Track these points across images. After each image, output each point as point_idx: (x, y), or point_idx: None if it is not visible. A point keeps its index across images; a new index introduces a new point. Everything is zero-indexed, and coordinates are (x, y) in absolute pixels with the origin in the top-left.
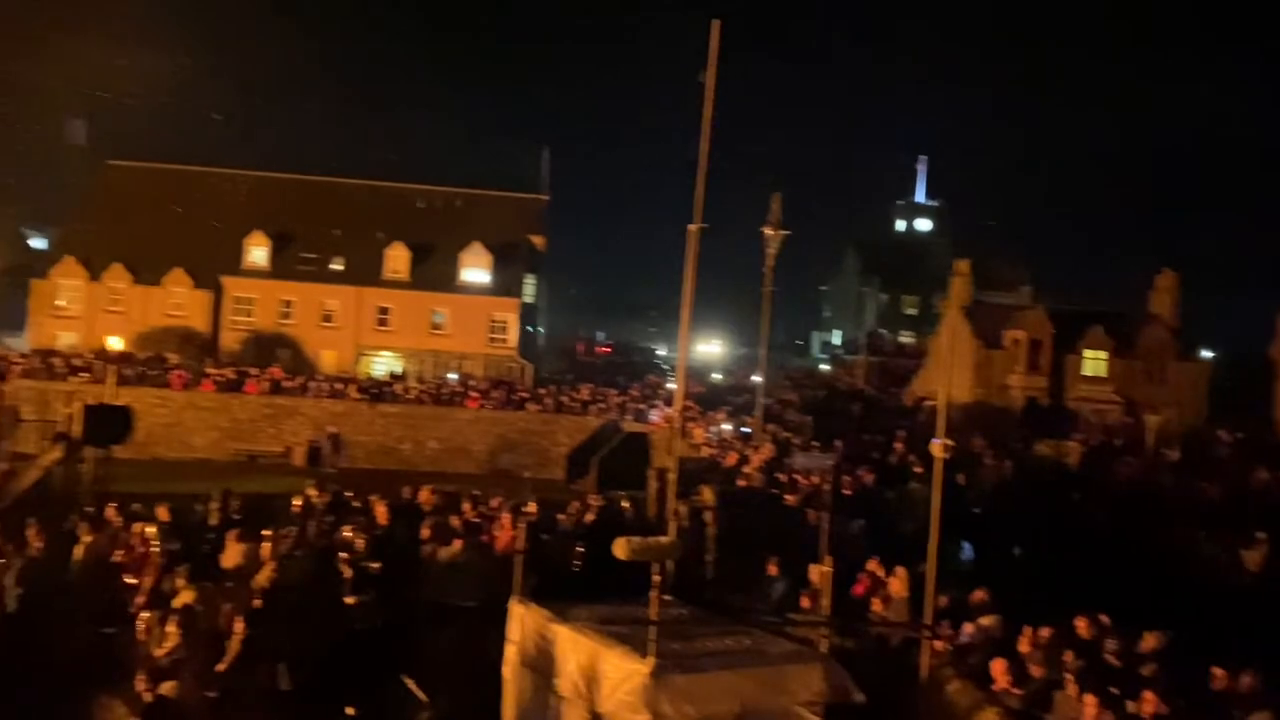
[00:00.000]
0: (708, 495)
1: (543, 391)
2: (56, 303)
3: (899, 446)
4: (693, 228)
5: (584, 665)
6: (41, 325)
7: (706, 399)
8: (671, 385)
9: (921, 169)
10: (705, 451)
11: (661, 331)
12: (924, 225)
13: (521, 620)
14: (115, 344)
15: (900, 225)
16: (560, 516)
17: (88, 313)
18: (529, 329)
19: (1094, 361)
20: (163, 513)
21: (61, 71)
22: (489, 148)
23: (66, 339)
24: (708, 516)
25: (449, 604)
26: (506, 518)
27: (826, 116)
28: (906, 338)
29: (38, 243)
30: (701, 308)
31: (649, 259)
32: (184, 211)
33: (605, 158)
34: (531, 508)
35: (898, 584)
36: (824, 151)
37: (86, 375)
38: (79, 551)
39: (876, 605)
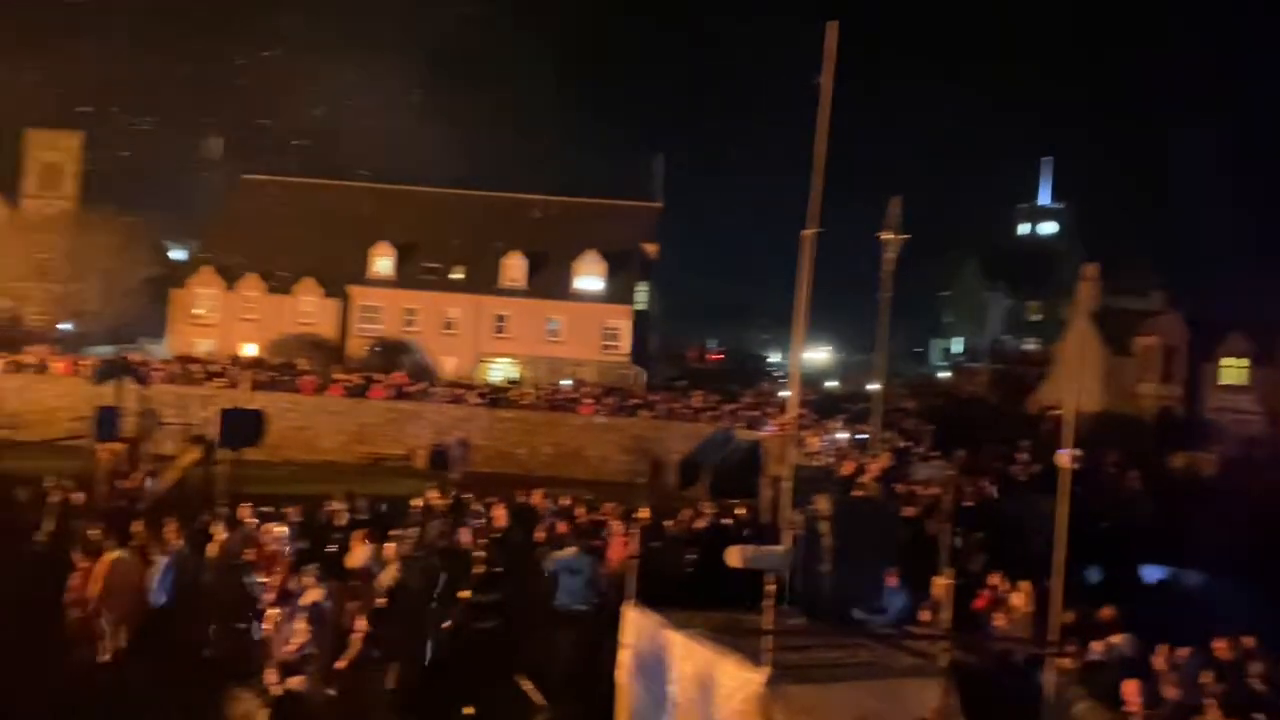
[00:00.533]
0: (823, 505)
1: (655, 398)
2: (194, 311)
3: (1023, 457)
4: (808, 233)
5: (698, 673)
6: (180, 333)
7: (821, 406)
8: (785, 392)
9: (1046, 170)
10: (820, 460)
11: (774, 338)
12: (1048, 229)
13: (636, 625)
14: (249, 350)
15: (1023, 229)
16: (672, 523)
17: (223, 320)
18: (642, 336)
19: (1233, 370)
20: (293, 513)
21: (199, 91)
22: (604, 157)
23: (204, 346)
24: (823, 526)
25: (563, 608)
26: (619, 523)
27: (946, 118)
28: (1031, 344)
29: (177, 254)
30: (816, 314)
31: (763, 265)
32: (313, 223)
33: (719, 163)
34: (644, 514)
35: (1021, 598)
36: (943, 154)
37: (222, 380)
38: (213, 549)
39: (999, 620)
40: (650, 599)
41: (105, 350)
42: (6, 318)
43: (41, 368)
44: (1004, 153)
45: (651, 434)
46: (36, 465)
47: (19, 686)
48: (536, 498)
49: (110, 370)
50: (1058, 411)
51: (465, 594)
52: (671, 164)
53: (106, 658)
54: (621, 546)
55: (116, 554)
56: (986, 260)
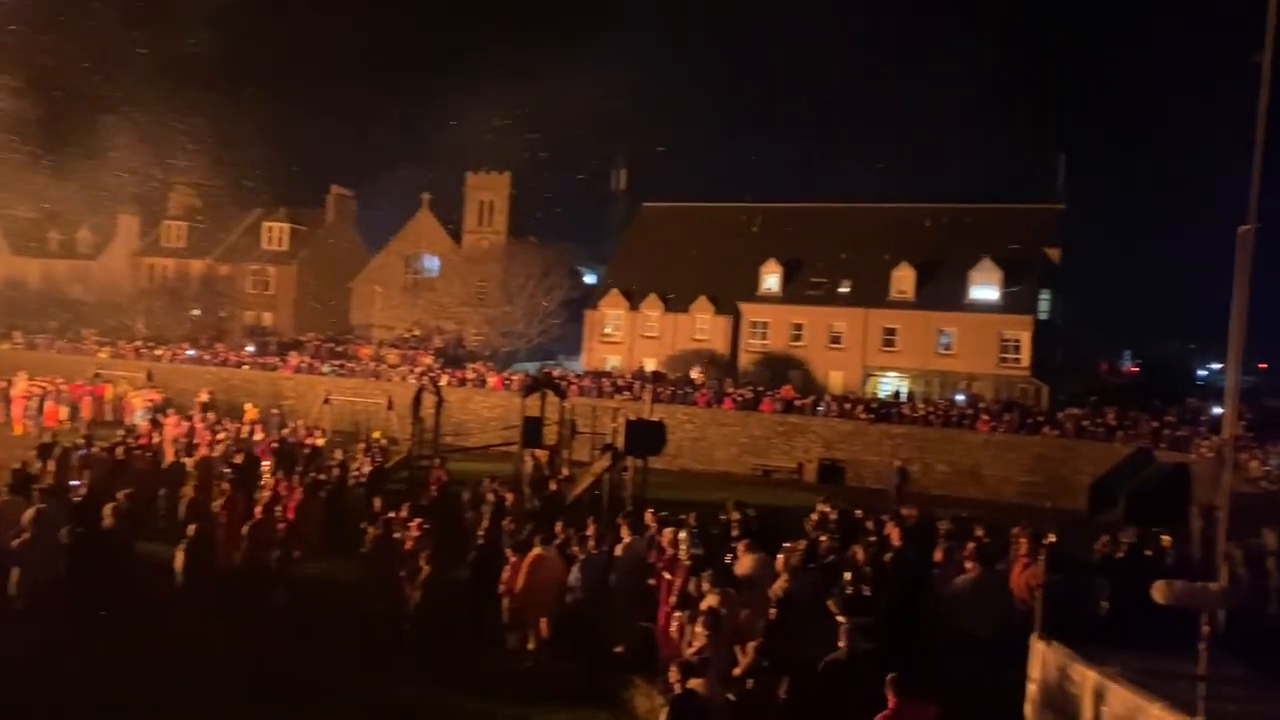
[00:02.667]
0: (1270, 539)
1: (1061, 415)
2: (604, 330)
3: None
4: (1245, 229)
5: (1118, 716)
6: (593, 350)
7: (1261, 425)
8: (1217, 409)
9: None
10: (1262, 486)
11: (1200, 349)
12: None
13: (1043, 658)
14: (650, 366)
15: None
16: (1084, 551)
17: (628, 338)
18: (1044, 348)
19: None
20: (692, 519)
21: (608, 126)
22: (998, 158)
23: (612, 361)
24: (1270, 563)
25: (960, 633)
26: (1025, 548)
27: None
28: None
29: (589, 278)
30: (1256, 321)
31: (1184, 268)
32: (706, 244)
33: (1129, 158)
34: (1051, 538)
35: None
36: None
37: (627, 394)
38: (619, 550)
39: None
40: (1060, 631)
41: (530, 366)
42: (452, 339)
43: (480, 382)
44: None
45: (1057, 454)
46: (475, 468)
47: (455, 668)
48: (938, 519)
49: (534, 384)
50: None
51: (849, 613)
52: (1074, 161)
53: (531, 645)
54: (1026, 573)
55: (540, 551)
56: None
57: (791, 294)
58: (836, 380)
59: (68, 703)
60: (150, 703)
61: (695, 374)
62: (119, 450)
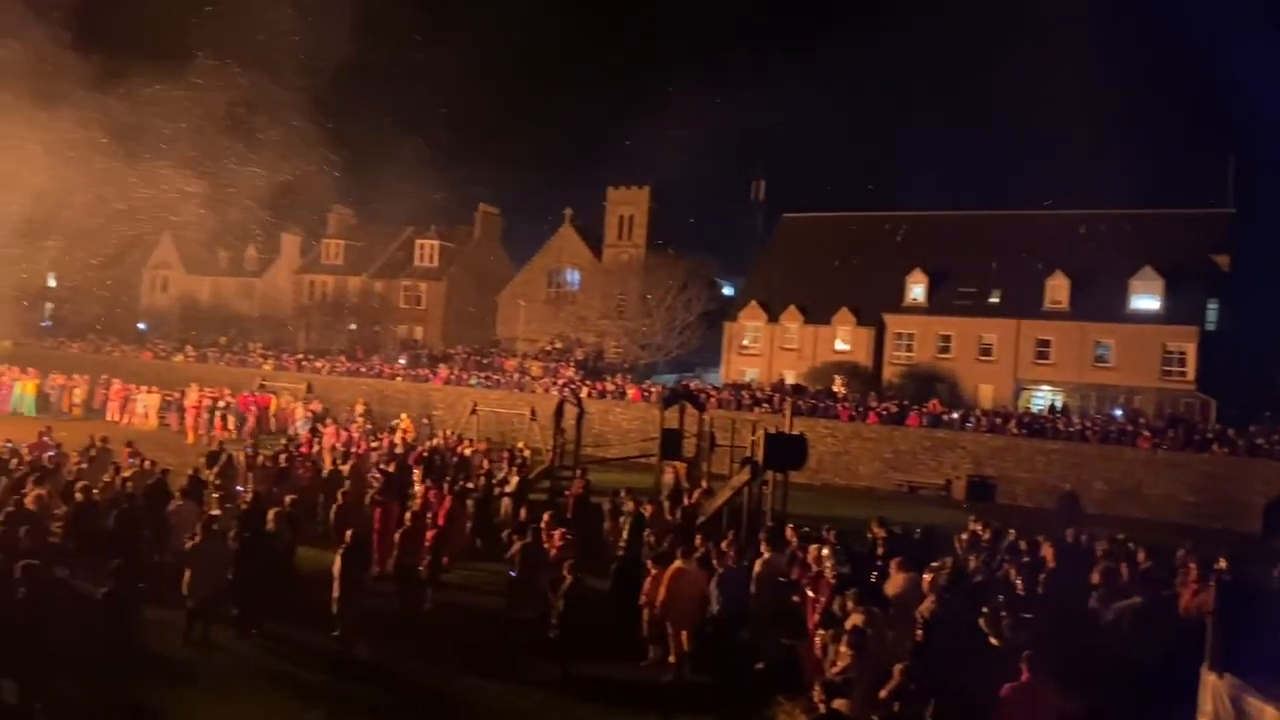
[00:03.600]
0: None
1: (1231, 431)
2: (743, 342)
3: None
4: None
5: None
6: (731, 362)
7: None
8: None
9: None
10: None
11: None
12: None
13: (1214, 691)
14: (789, 378)
15: None
16: (1259, 577)
17: (767, 350)
18: (1212, 360)
19: None
20: (833, 536)
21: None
22: (1160, 160)
23: (751, 374)
24: None
25: (1122, 661)
26: (1193, 572)
27: None
28: None
29: (728, 290)
30: None
31: None
32: (848, 255)
33: None
34: (1222, 563)
35: None
36: None
37: (767, 406)
38: (758, 565)
39: None
40: (1233, 662)
41: (668, 379)
42: (592, 351)
43: (619, 394)
44: None
45: (1227, 472)
46: (614, 479)
47: (596, 679)
48: (1092, 539)
49: (673, 397)
50: None
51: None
52: (1245, 164)
53: (671, 658)
54: (1196, 599)
55: (681, 564)
56: None
57: (938, 304)
58: (986, 394)
59: (232, 691)
60: (300, 700)
61: (837, 387)
62: (281, 458)
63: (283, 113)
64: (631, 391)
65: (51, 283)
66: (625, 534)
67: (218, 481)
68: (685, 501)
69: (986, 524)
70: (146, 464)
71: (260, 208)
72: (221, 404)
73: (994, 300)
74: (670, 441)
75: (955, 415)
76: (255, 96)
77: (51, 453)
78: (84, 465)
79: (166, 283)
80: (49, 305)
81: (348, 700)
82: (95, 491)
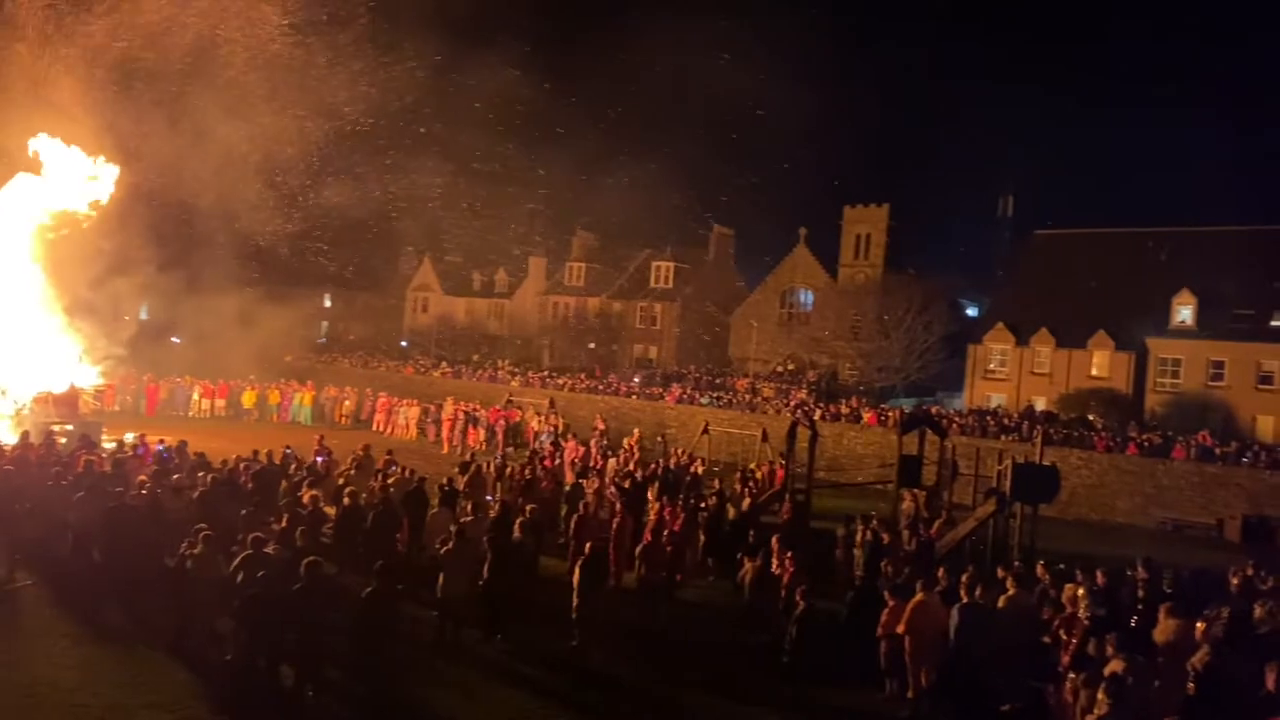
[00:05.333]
0: None
1: None
2: (988, 366)
3: None
4: None
5: None
6: (975, 386)
7: None
8: None
9: None
10: None
11: None
12: None
13: None
14: (1039, 404)
15: None
16: None
17: (1015, 375)
18: None
19: None
20: (1090, 576)
21: (994, 152)
22: None
23: (996, 399)
24: None
25: None
26: None
27: None
28: None
29: (971, 311)
30: None
31: None
32: (1107, 275)
33: None
34: None
35: None
36: None
37: (1014, 435)
38: (1002, 601)
39: None
40: None
41: (907, 403)
42: (827, 373)
43: (854, 417)
44: None
45: None
46: (849, 505)
47: (831, 709)
48: None
49: (913, 421)
50: None
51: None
52: None
53: (910, 694)
54: None
55: (923, 596)
56: None
57: (1209, 328)
58: (1266, 426)
59: (475, 690)
60: (537, 703)
61: (1092, 415)
62: (526, 470)
63: (541, 147)
64: (867, 415)
65: (327, 303)
66: (860, 562)
67: (468, 490)
68: (925, 531)
69: (1258, 569)
70: (406, 472)
71: (514, 233)
72: (473, 416)
73: (1276, 324)
74: (909, 468)
75: (1230, 448)
76: (524, 135)
77: (324, 459)
78: (352, 471)
79: (426, 304)
80: (324, 324)
81: (583, 706)
82: (361, 496)
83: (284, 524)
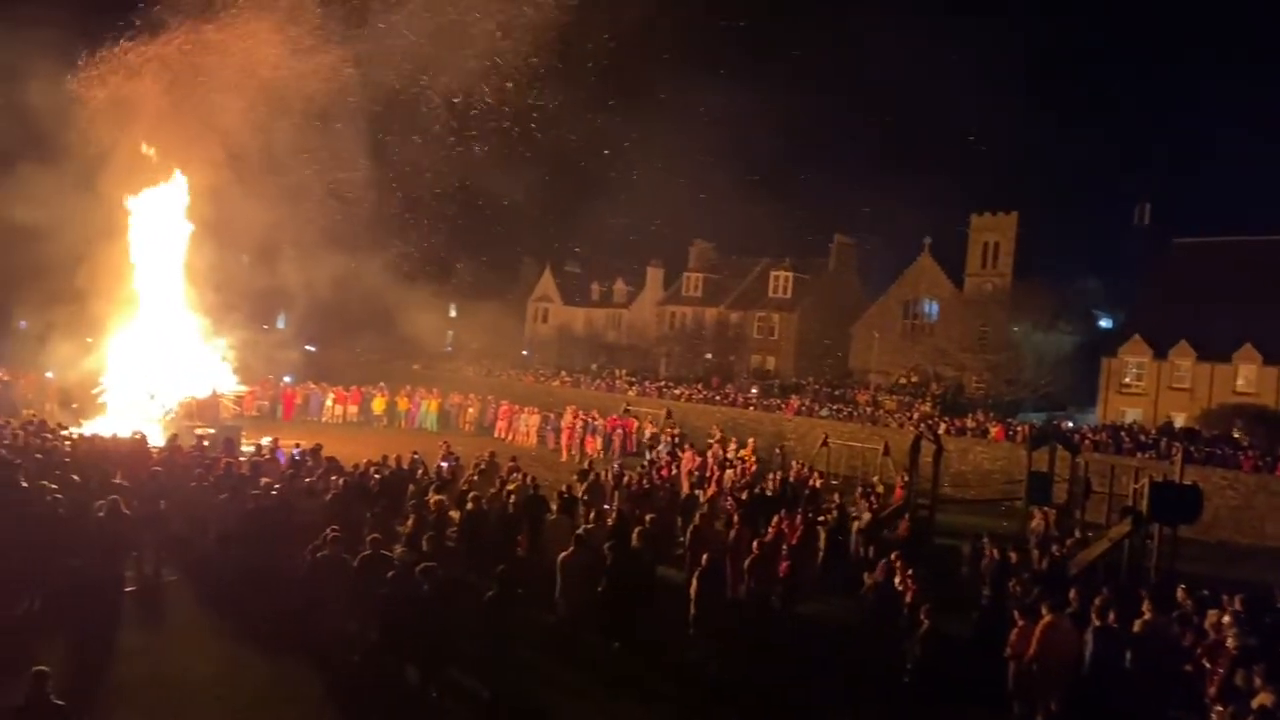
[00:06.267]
0: None
1: None
2: (1124, 380)
3: None
4: None
5: None
6: (1109, 401)
7: None
8: None
9: None
10: None
11: None
12: None
13: None
14: (1179, 420)
15: None
16: None
17: (1152, 389)
18: None
19: None
20: (1235, 601)
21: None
22: None
23: (1132, 414)
24: None
25: None
26: None
27: None
28: None
29: (1105, 322)
30: None
31: None
32: (1254, 285)
33: None
34: None
35: None
36: None
37: (1151, 452)
38: (1138, 626)
39: None
40: None
41: (1036, 417)
42: (952, 386)
43: (980, 432)
44: None
45: None
46: (974, 522)
47: None
48: None
49: (1042, 437)
50: None
51: None
52: None
53: (1039, 718)
54: None
55: (1053, 618)
56: None
57: None
58: None
59: (589, 694)
60: (653, 711)
61: (1237, 432)
62: (644, 480)
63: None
64: (995, 430)
65: (452, 313)
66: (987, 581)
67: (586, 498)
68: (1055, 551)
69: None
70: (527, 479)
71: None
72: (591, 425)
73: None
74: (1038, 485)
75: None
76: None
77: (449, 464)
78: (475, 477)
79: (547, 314)
80: (450, 333)
81: (698, 717)
82: (484, 501)
83: (410, 527)
